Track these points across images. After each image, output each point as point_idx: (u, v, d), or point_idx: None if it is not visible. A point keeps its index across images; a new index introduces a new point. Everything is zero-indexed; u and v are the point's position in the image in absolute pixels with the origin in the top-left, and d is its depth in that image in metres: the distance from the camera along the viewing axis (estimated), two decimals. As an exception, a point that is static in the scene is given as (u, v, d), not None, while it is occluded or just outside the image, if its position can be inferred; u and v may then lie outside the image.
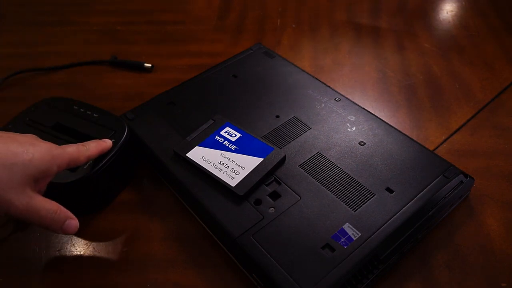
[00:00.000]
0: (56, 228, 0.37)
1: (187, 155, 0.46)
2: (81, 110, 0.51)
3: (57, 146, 0.39)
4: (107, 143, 0.45)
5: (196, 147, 0.47)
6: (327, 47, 0.71)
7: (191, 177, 0.45)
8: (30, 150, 0.36)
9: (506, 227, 0.44)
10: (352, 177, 0.43)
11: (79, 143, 0.42)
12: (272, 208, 0.41)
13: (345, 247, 0.37)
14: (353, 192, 0.42)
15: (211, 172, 0.44)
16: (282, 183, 0.43)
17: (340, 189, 0.42)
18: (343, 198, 0.41)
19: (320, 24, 0.76)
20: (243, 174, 0.43)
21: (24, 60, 0.71)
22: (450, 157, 0.50)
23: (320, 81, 0.55)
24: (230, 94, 0.54)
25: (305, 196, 0.42)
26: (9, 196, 0.34)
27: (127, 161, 0.49)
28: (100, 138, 0.47)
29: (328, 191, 0.42)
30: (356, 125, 0.49)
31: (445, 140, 0.54)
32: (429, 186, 0.42)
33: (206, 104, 0.53)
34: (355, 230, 0.38)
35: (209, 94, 0.55)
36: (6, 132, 0.38)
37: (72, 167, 0.42)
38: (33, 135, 0.40)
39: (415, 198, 0.41)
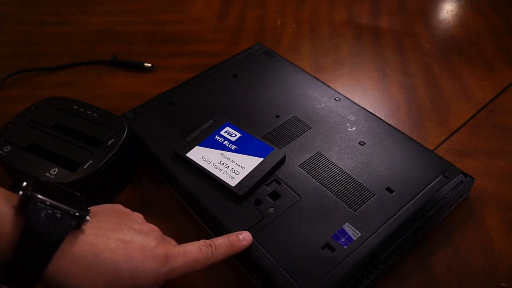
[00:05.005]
0: None
1: (187, 155, 0.46)
2: (81, 110, 0.51)
3: (174, 253, 0.33)
4: (242, 241, 0.37)
5: (196, 147, 0.46)
6: (327, 47, 0.71)
7: (191, 177, 0.45)
8: (139, 270, 0.31)
9: (506, 227, 0.44)
10: (352, 177, 0.43)
11: (204, 241, 0.35)
12: (272, 208, 0.41)
13: (345, 247, 0.37)
14: (353, 192, 0.42)
15: (211, 172, 0.44)
16: (282, 183, 0.43)
17: (340, 189, 0.42)
18: (343, 198, 0.41)
19: (320, 24, 0.76)
20: (243, 174, 0.43)
21: (24, 60, 0.71)
22: (450, 157, 0.50)
23: (320, 81, 0.55)
24: (230, 94, 0.54)
25: (305, 196, 0.42)
26: None
27: (127, 161, 0.49)
28: (100, 138, 0.47)
29: (328, 191, 0.42)
30: (356, 125, 0.49)
31: (445, 140, 0.54)
32: (429, 186, 0.42)
33: (206, 104, 0.53)
34: (355, 230, 0.38)
35: (209, 94, 0.55)
36: (129, 224, 0.33)
37: None
38: (157, 229, 0.35)
39: (415, 198, 0.41)
